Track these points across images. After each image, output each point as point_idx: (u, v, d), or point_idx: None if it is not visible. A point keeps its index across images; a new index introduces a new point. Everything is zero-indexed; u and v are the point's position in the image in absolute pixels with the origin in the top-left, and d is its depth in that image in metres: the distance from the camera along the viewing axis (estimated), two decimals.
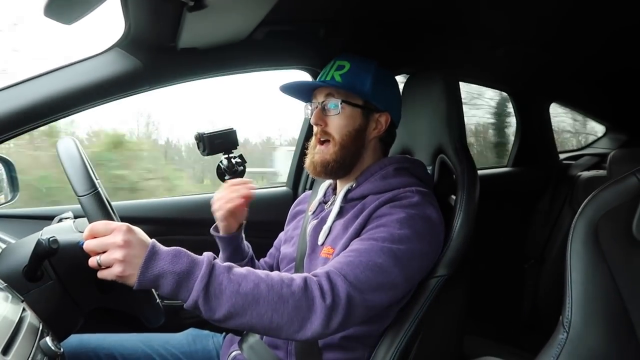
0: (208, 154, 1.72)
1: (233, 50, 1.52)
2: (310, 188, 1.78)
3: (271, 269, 1.44)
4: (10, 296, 0.85)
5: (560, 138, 3.24)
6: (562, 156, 2.70)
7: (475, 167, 1.22)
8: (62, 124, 2.33)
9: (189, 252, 0.91)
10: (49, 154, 2.36)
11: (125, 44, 1.40)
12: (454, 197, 1.22)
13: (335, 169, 1.20)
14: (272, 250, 1.47)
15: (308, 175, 1.93)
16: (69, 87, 1.36)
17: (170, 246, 0.91)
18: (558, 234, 2.41)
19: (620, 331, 0.74)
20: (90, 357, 1.22)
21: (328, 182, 1.33)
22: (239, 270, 0.94)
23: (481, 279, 1.66)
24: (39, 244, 0.93)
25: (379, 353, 1.13)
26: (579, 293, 0.76)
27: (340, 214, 1.19)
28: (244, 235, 1.34)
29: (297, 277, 0.96)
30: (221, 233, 1.30)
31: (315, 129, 1.23)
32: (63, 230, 1.09)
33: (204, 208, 1.37)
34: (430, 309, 1.13)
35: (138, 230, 0.90)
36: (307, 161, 1.24)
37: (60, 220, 1.23)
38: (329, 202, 1.27)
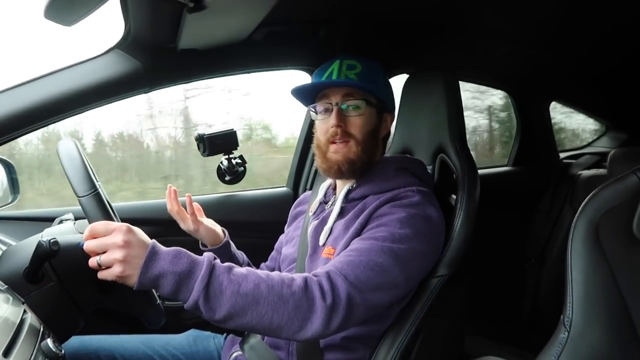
0: (208, 155, 1.73)
1: (233, 51, 1.52)
2: (311, 188, 1.78)
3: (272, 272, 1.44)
4: (11, 298, 0.85)
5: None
6: (562, 155, 2.70)
7: (475, 166, 1.22)
8: None
9: (189, 252, 0.91)
10: None
11: (125, 45, 1.40)
12: (454, 196, 1.22)
13: (359, 169, 1.18)
14: (273, 253, 1.47)
15: (308, 176, 1.93)
16: (69, 89, 1.36)
17: (170, 247, 0.91)
18: (558, 233, 2.40)
19: (621, 330, 0.74)
20: (91, 359, 1.22)
21: (328, 182, 1.33)
22: (240, 270, 0.94)
23: (482, 278, 1.66)
24: (39, 245, 0.93)
25: (380, 353, 1.13)
26: (579, 292, 0.76)
27: (341, 214, 1.19)
28: (233, 248, 1.35)
29: (298, 277, 0.96)
30: (208, 245, 1.32)
31: (331, 130, 1.17)
32: (64, 232, 1.09)
33: (206, 208, 1.37)
34: (431, 309, 1.13)
35: (138, 230, 0.90)
36: (323, 161, 1.20)
37: (61, 221, 1.23)
38: (330, 203, 1.27)
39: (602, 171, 2.37)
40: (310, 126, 1.85)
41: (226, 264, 0.94)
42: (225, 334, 1.40)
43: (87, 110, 1.42)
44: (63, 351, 0.83)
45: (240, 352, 1.25)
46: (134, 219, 1.33)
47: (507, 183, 2.47)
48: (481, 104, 3.37)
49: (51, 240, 0.93)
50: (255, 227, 1.42)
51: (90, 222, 0.97)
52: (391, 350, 1.11)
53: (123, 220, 1.01)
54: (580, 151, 2.83)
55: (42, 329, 0.84)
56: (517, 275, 2.49)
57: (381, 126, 1.23)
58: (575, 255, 0.77)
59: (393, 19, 1.54)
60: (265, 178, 2.75)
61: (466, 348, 1.36)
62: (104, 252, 0.87)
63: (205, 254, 0.93)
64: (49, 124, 1.38)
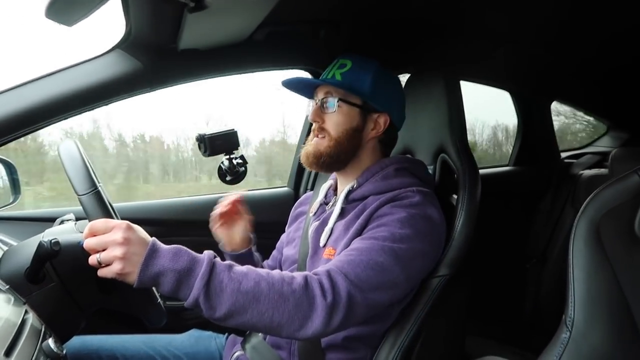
0: (209, 155, 1.72)
1: (234, 50, 1.52)
2: (312, 188, 1.78)
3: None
4: (12, 298, 0.85)
5: None
6: (563, 155, 2.69)
7: (476, 166, 1.22)
8: None
9: (189, 250, 0.91)
10: None
11: (126, 45, 1.40)
12: (455, 196, 1.22)
13: (327, 163, 1.21)
14: (274, 252, 1.47)
15: (309, 176, 1.93)
16: (70, 88, 1.36)
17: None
18: (560, 233, 2.40)
19: (623, 330, 0.74)
20: (92, 359, 1.22)
21: (329, 183, 1.33)
22: (240, 268, 0.94)
23: (483, 278, 1.66)
24: (40, 246, 0.93)
25: (382, 353, 1.13)
26: (581, 292, 0.76)
27: (342, 214, 1.19)
28: (252, 258, 1.36)
29: (298, 275, 0.96)
30: (226, 249, 1.33)
31: (313, 125, 1.24)
32: (65, 232, 1.09)
33: (206, 209, 1.37)
34: (432, 309, 1.13)
35: (138, 228, 0.90)
36: (302, 152, 1.25)
37: (62, 222, 1.23)
38: (330, 203, 1.27)
39: (603, 171, 2.37)
40: (310, 126, 1.85)
41: (226, 261, 0.94)
42: (226, 334, 1.40)
43: (88, 110, 1.42)
44: (64, 351, 0.83)
45: (241, 352, 1.25)
46: (134, 218, 1.33)
47: (508, 183, 2.47)
48: None
49: (52, 241, 0.93)
50: (256, 227, 1.42)
51: (90, 221, 0.97)
52: (392, 350, 1.11)
53: (124, 219, 1.01)
54: (582, 151, 2.82)
55: (43, 329, 0.84)
56: (519, 275, 2.49)
57: (367, 127, 1.22)
58: (577, 255, 0.77)
59: (394, 19, 1.53)
60: None
61: (467, 348, 1.36)
62: (104, 250, 0.87)
63: (205, 251, 0.93)
64: (51, 124, 1.38)
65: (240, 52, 1.54)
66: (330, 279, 0.96)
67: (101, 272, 0.88)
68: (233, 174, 1.79)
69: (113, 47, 1.41)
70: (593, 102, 2.69)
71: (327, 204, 1.29)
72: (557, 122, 3.23)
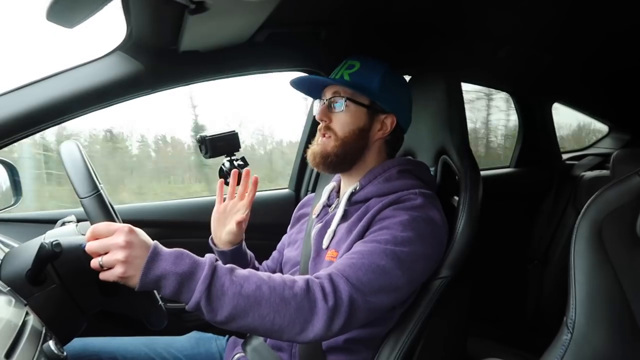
0: (210, 157, 1.72)
1: (235, 52, 1.52)
2: (313, 190, 1.78)
3: (274, 272, 1.43)
4: (13, 300, 0.85)
5: None
6: (565, 156, 2.69)
7: (477, 168, 1.22)
8: None
9: (191, 253, 0.91)
10: None
11: (127, 47, 1.41)
12: (456, 198, 1.22)
13: (333, 163, 1.21)
14: (275, 253, 1.47)
15: (310, 178, 1.93)
16: (71, 90, 1.36)
17: (173, 248, 0.91)
18: (561, 234, 2.40)
19: (625, 331, 0.74)
20: None
21: (332, 185, 1.33)
22: (241, 271, 0.93)
23: (484, 280, 1.66)
24: (42, 247, 0.93)
25: (383, 355, 1.12)
26: (583, 293, 0.76)
27: (344, 217, 1.19)
28: (242, 253, 1.34)
29: (299, 279, 0.96)
30: (220, 247, 1.31)
31: (320, 124, 1.23)
32: (66, 234, 1.09)
33: (207, 211, 1.37)
34: (434, 311, 1.13)
35: (140, 231, 0.90)
36: (309, 152, 1.25)
37: (63, 223, 1.23)
38: (333, 206, 1.27)
39: (605, 172, 2.37)
40: (311, 127, 1.85)
41: (228, 265, 0.94)
42: (227, 336, 1.39)
43: (90, 112, 1.43)
44: (65, 353, 0.83)
45: (242, 354, 1.25)
46: (136, 220, 1.33)
47: (510, 184, 2.47)
48: None
49: (53, 242, 0.93)
50: (257, 229, 1.42)
51: (92, 224, 0.97)
52: (394, 352, 1.11)
53: (125, 222, 1.01)
54: (583, 152, 2.82)
55: (44, 331, 0.84)
56: (520, 277, 2.49)
57: (373, 127, 1.22)
58: (579, 256, 0.77)
59: (395, 21, 1.53)
60: None
61: (469, 349, 1.36)
62: (106, 253, 0.87)
63: (207, 255, 0.93)
64: (52, 126, 1.38)
65: (241, 54, 1.54)
66: (331, 282, 0.96)
67: (103, 276, 0.88)
68: None
69: (114, 49, 1.42)
70: (594, 104, 2.68)
71: (329, 206, 1.28)
72: (576, 120, 3.24)
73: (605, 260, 0.75)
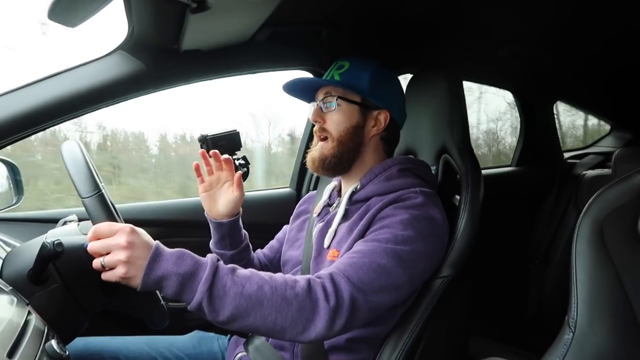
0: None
1: (236, 51, 1.52)
2: (314, 189, 1.78)
3: (270, 261, 1.44)
4: (15, 299, 0.85)
5: None
6: (566, 155, 2.69)
7: (479, 166, 1.22)
8: None
9: (192, 253, 0.91)
10: None
11: (129, 46, 1.41)
12: (458, 197, 1.22)
13: (333, 165, 1.21)
14: (273, 242, 1.47)
15: (312, 177, 1.93)
16: (73, 89, 1.36)
17: (174, 248, 0.92)
18: (563, 233, 2.40)
19: (627, 330, 0.74)
20: None
21: (333, 184, 1.33)
22: (243, 271, 0.94)
23: (486, 279, 1.65)
24: (43, 247, 0.93)
25: (384, 354, 1.12)
26: (584, 293, 0.76)
27: (345, 216, 1.19)
28: (238, 228, 1.34)
29: (301, 278, 0.96)
30: (211, 217, 1.31)
31: (315, 127, 1.24)
32: (67, 233, 1.09)
33: None
34: (435, 310, 1.13)
35: (142, 231, 0.90)
36: (308, 157, 1.26)
37: (65, 223, 1.23)
38: (334, 205, 1.27)
39: (606, 171, 2.37)
40: (312, 128, 1.85)
41: (229, 265, 0.94)
42: (229, 335, 1.40)
43: (91, 111, 1.43)
44: (67, 352, 0.83)
45: (244, 353, 1.25)
46: (137, 220, 1.34)
47: (511, 183, 2.47)
48: None
49: (55, 242, 0.93)
50: (258, 228, 1.42)
51: (93, 224, 0.98)
52: (395, 351, 1.11)
53: (127, 221, 1.01)
54: (585, 151, 2.82)
55: (46, 330, 0.84)
56: (521, 276, 2.49)
57: (367, 124, 1.22)
58: (580, 255, 0.77)
59: (396, 20, 1.53)
60: None
61: (470, 349, 1.36)
62: (107, 253, 0.87)
63: (208, 255, 0.93)
64: (53, 125, 1.38)
65: (243, 53, 1.54)
66: (333, 282, 0.96)
67: (105, 276, 0.88)
68: None
69: (115, 48, 1.42)
70: (596, 103, 2.68)
71: (330, 205, 1.29)
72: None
73: (607, 259, 0.75)
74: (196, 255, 0.91)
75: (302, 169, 1.96)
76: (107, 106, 1.44)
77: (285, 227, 1.46)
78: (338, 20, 1.50)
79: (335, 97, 1.20)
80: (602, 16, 1.57)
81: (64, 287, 1.01)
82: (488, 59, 1.97)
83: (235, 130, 1.75)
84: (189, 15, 1.14)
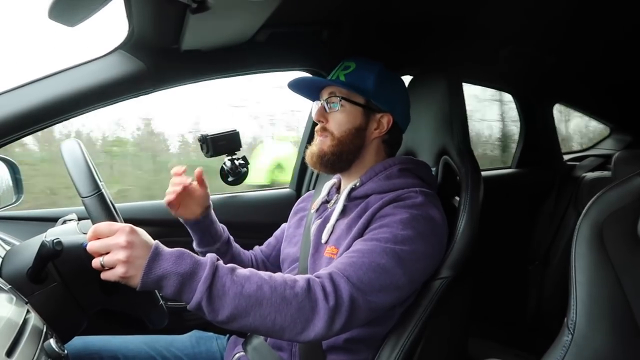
0: (211, 156, 1.73)
1: (236, 51, 1.52)
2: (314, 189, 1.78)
3: (267, 258, 1.44)
4: (14, 298, 0.85)
5: None
6: (566, 157, 2.69)
7: (479, 168, 1.22)
8: None
9: (192, 253, 0.91)
10: None
11: (129, 46, 1.41)
12: (457, 198, 1.22)
13: (331, 162, 1.21)
14: (270, 239, 1.48)
15: (311, 177, 1.93)
16: (73, 89, 1.36)
17: (174, 248, 0.92)
18: (562, 235, 2.40)
19: (625, 332, 0.74)
20: (93, 359, 1.22)
21: (332, 181, 1.33)
22: (242, 271, 0.94)
23: (485, 280, 1.65)
24: (43, 245, 0.93)
25: (383, 355, 1.12)
26: (583, 295, 0.76)
27: (344, 212, 1.19)
28: (214, 219, 1.35)
29: (300, 278, 0.96)
30: (187, 219, 1.33)
31: (317, 125, 1.24)
32: (67, 232, 1.09)
33: None
34: (434, 311, 1.13)
35: (141, 231, 0.90)
36: (307, 152, 1.26)
37: (64, 222, 1.23)
38: (332, 201, 1.27)
39: (606, 173, 2.37)
40: (312, 127, 1.85)
41: (229, 265, 0.94)
42: (228, 335, 1.40)
43: (91, 110, 1.43)
44: (66, 351, 0.83)
45: (242, 353, 1.25)
46: (137, 219, 1.34)
47: (511, 185, 2.47)
48: None
49: (55, 241, 0.93)
50: (258, 228, 1.42)
51: (93, 223, 0.98)
52: (394, 352, 1.11)
53: (127, 221, 1.01)
54: (585, 153, 2.82)
55: (45, 329, 0.84)
56: (521, 278, 2.49)
57: (370, 126, 1.22)
58: (579, 257, 0.77)
59: (397, 21, 1.53)
60: None
61: (469, 350, 1.36)
62: (107, 253, 0.87)
63: (208, 255, 0.93)
64: (53, 124, 1.38)
65: (243, 53, 1.54)
66: (332, 282, 0.96)
67: (104, 275, 0.88)
68: (235, 175, 1.80)
69: (115, 47, 1.42)
70: (596, 105, 2.68)
71: (328, 202, 1.29)
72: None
73: (606, 261, 0.75)
74: (196, 255, 0.91)
75: (302, 170, 1.96)
76: (107, 106, 1.44)
77: (283, 225, 1.46)
78: (338, 21, 1.50)
79: (339, 98, 1.20)
80: (604, 20, 1.57)
81: (63, 286, 1.01)
82: (489, 60, 1.97)
83: (235, 130, 1.75)
84: (189, 15, 1.13)
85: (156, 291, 1.13)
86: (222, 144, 1.72)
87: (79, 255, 0.99)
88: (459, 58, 1.87)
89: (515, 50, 1.86)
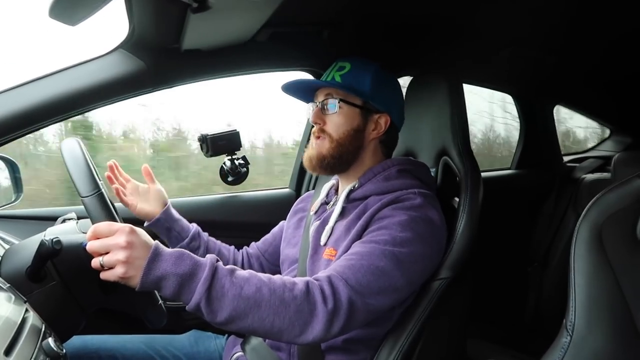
0: (211, 156, 1.73)
1: (237, 51, 1.52)
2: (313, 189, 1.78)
3: (263, 254, 1.45)
4: (13, 297, 0.85)
5: None
6: (566, 159, 2.69)
7: (478, 169, 1.22)
8: None
9: (192, 254, 0.91)
10: None
11: (129, 45, 1.41)
12: (457, 199, 1.22)
13: (330, 165, 1.21)
14: (267, 235, 1.48)
15: (311, 178, 1.93)
16: (73, 88, 1.36)
17: (173, 248, 0.92)
18: (562, 236, 2.40)
19: (624, 334, 0.74)
20: (92, 359, 1.22)
21: (331, 182, 1.33)
22: (242, 273, 0.93)
23: (485, 281, 1.66)
24: (42, 244, 0.93)
25: (382, 355, 1.12)
26: (582, 296, 0.76)
27: (342, 214, 1.19)
28: (176, 216, 1.38)
29: (299, 281, 0.96)
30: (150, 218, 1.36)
31: (313, 128, 1.24)
32: (66, 231, 1.09)
33: (210, 209, 1.37)
34: (433, 312, 1.12)
35: (141, 231, 0.90)
36: (305, 156, 1.25)
37: (64, 221, 1.23)
38: (331, 203, 1.27)
39: (606, 175, 2.37)
40: (311, 128, 1.85)
41: (229, 266, 0.94)
42: (226, 335, 1.40)
43: (91, 109, 1.43)
44: (64, 350, 0.83)
45: (241, 353, 1.25)
46: (137, 219, 1.34)
47: (511, 186, 2.47)
48: None
49: (54, 240, 0.93)
50: (257, 228, 1.42)
51: (93, 223, 0.98)
52: (393, 352, 1.11)
53: (127, 221, 1.01)
54: (584, 154, 2.82)
55: (43, 328, 0.84)
56: (520, 279, 2.49)
57: (368, 127, 1.22)
58: (579, 259, 0.77)
59: (397, 22, 1.53)
60: None
61: (468, 351, 1.36)
62: (106, 253, 0.87)
63: (207, 255, 0.93)
64: (53, 123, 1.38)
65: (243, 53, 1.54)
66: (331, 285, 0.96)
67: (104, 275, 0.88)
68: (235, 175, 1.80)
69: (116, 47, 1.42)
70: (596, 106, 2.68)
71: (327, 203, 1.29)
72: None
73: (605, 263, 0.75)
74: (195, 256, 0.91)
75: (302, 170, 1.96)
76: (107, 105, 1.44)
77: (282, 222, 1.46)
78: (339, 21, 1.50)
79: (336, 100, 1.20)
80: (605, 21, 1.57)
81: (62, 285, 1.01)
82: (489, 61, 1.97)
83: (235, 130, 1.75)
84: (189, 14, 1.13)
85: (155, 291, 1.13)
86: (222, 143, 1.72)
87: (78, 255, 0.99)
88: (459, 59, 1.87)
89: (515, 51, 1.85)
